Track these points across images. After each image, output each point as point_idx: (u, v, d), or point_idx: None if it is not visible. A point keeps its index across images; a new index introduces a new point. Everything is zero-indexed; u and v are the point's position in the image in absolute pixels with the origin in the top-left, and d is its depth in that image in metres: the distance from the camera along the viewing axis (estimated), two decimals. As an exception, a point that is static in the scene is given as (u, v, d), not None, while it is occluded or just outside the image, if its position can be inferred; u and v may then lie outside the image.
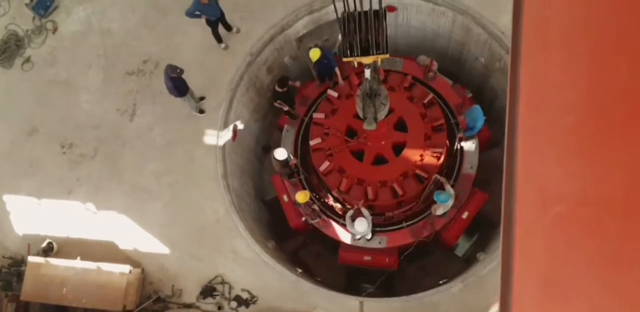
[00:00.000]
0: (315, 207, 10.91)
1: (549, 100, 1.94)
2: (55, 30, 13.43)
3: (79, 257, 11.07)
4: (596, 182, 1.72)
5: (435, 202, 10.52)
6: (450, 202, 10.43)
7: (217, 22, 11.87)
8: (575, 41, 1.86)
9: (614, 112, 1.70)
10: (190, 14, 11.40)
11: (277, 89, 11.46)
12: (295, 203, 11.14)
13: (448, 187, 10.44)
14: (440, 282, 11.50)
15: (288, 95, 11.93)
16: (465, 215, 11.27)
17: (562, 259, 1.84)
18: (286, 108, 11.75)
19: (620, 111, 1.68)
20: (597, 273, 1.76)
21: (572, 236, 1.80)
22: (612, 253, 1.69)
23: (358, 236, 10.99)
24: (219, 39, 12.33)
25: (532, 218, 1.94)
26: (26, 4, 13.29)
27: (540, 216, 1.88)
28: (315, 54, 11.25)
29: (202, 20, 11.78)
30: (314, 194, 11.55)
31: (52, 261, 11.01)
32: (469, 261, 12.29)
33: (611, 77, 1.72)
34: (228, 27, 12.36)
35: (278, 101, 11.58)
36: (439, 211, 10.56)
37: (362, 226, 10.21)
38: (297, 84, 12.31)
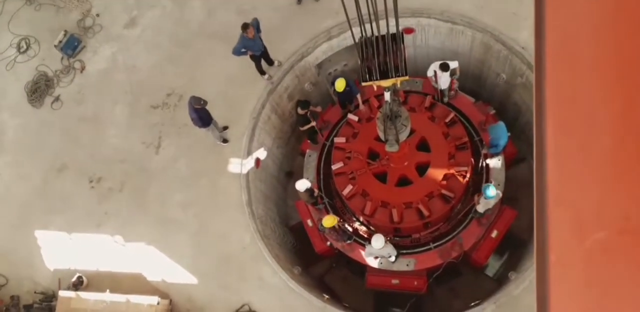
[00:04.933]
0: (348, 228, 10.68)
1: (579, 119, 1.81)
2: (83, 69, 13.82)
3: (108, 290, 11.11)
4: None
5: (480, 195, 10.11)
6: (493, 202, 10.09)
7: (261, 56, 12.08)
8: (605, 55, 1.75)
9: None
10: (238, 51, 11.56)
11: (299, 111, 11.53)
12: (320, 228, 10.95)
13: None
14: (472, 304, 11.11)
15: (309, 119, 11.96)
16: (494, 234, 10.93)
17: (604, 292, 1.68)
18: (313, 124, 11.78)
19: None
20: None
21: (615, 267, 1.65)
22: None
23: (377, 256, 10.71)
24: (261, 72, 12.50)
25: (568, 246, 1.78)
26: (55, 46, 13.73)
27: (577, 244, 1.72)
28: (341, 84, 11.27)
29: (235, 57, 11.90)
30: (339, 219, 11.39)
31: (82, 294, 11.08)
32: (500, 280, 11.88)
33: None
34: (270, 62, 12.53)
35: (307, 111, 11.59)
36: (480, 207, 10.21)
37: (379, 241, 9.96)
38: (318, 109, 12.33)
